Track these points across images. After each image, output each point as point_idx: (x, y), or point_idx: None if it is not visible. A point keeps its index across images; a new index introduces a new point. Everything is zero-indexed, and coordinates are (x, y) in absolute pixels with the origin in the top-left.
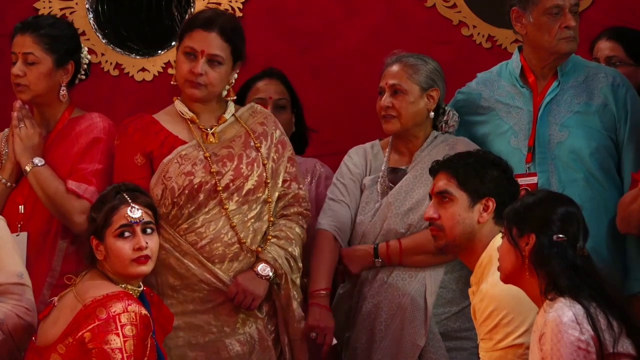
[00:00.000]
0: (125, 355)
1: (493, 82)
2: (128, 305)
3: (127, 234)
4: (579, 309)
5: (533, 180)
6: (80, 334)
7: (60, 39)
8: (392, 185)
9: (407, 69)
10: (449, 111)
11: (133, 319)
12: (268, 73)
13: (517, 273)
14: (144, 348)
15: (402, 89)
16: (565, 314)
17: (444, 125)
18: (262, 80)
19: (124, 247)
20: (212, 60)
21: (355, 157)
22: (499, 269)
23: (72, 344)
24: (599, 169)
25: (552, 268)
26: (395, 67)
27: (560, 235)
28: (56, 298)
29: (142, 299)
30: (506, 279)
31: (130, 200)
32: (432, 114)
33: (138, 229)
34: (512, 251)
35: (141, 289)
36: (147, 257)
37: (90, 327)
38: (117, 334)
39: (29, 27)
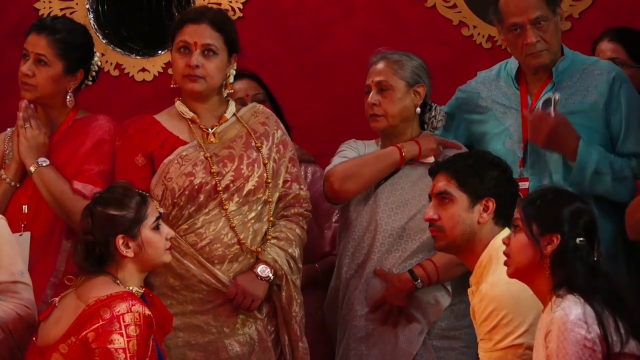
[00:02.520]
0: (128, 355)
1: (492, 82)
2: (132, 305)
3: (159, 225)
4: (587, 308)
5: (524, 185)
6: (83, 333)
7: (75, 46)
8: None
9: (392, 65)
10: (436, 107)
11: (137, 319)
12: (238, 75)
13: (531, 270)
14: (147, 348)
15: (388, 85)
16: (573, 312)
17: (433, 121)
18: (234, 83)
19: (157, 237)
20: (207, 51)
21: (353, 144)
22: (506, 263)
23: (74, 344)
24: None
25: (573, 270)
26: (380, 65)
27: (582, 239)
28: (57, 299)
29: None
30: (516, 273)
31: (147, 194)
32: (418, 109)
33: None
34: (530, 247)
35: (142, 290)
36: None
37: (94, 326)
38: (121, 334)
39: (46, 28)
